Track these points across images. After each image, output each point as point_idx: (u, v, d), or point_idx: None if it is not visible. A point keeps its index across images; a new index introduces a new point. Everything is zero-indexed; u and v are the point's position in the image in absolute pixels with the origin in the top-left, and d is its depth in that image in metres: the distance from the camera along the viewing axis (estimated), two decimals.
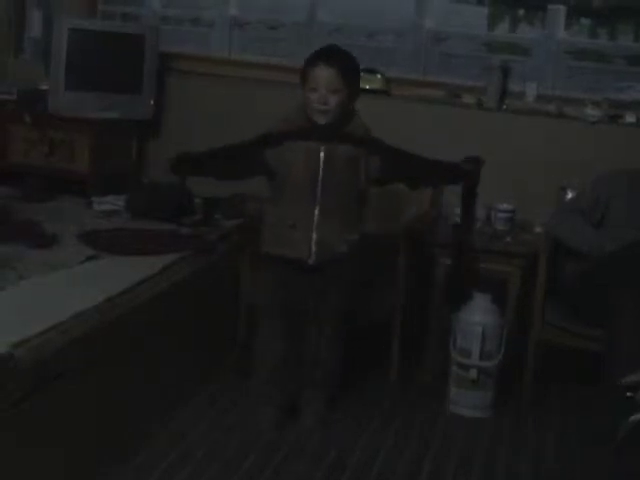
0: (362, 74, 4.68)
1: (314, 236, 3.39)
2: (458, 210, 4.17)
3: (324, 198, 3.38)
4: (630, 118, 4.47)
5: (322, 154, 3.37)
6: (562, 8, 4.72)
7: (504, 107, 4.63)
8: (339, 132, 3.40)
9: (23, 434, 2.68)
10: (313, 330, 3.50)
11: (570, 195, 4.23)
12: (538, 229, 4.29)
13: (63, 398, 2.85)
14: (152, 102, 4.84)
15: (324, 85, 3.31)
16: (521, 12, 4.92)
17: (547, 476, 3.43)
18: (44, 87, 4.78)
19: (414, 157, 3.51)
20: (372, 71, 4.73)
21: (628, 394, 3.25)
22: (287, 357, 3.51)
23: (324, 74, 3.32)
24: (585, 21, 4.82)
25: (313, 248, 3.40)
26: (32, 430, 2.71)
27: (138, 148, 5.02)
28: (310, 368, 3.53)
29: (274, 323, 3.49)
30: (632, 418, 3.17)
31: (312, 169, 3.37)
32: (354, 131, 3.43)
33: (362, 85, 4.66)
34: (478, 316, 3.83)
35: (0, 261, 3.42)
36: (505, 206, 4.32)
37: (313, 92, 3.33)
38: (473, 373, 3.81)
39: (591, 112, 4.47)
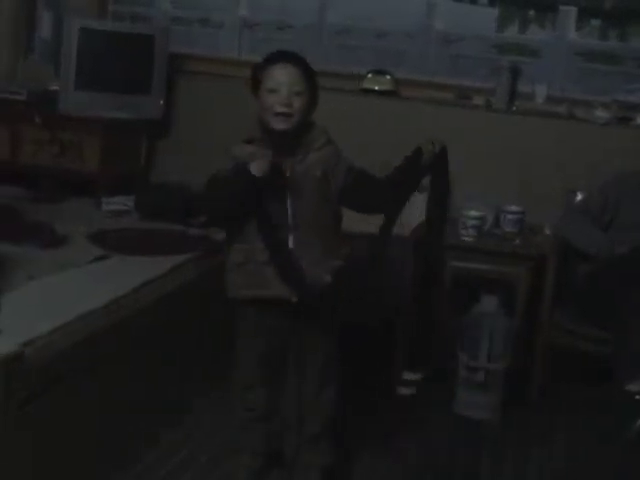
0: (371, 75, 4.77)
1: None
2: (465, 211, 4.21)
3: (297, 223, 2.90)
4: None
5: (288, 174, 2.88)
6: (573, 9, 4.72)
7: (513, 109, 4.64)
8: (304, 143, 2.92)
9: (29, 433, 2.69)
10: (295, 378, 3.12)
11: (579, 197, 4.24)
12: (547, 231, 4.30)
13: (69, 399, 2.86)
14: (162, 102, 4.86)
15: (287, 85, 2.85)
16: (531, 13, 4.91)
17: (555, 478, 3.45)
18: (54, 87, 4.80)
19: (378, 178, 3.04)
20: (381, 72, 4.75)
21: (637, 397, 3.27)
22: (269, 407, 3.11)
23: (288, 73, 2.87)
24: (595, 22, 4.81)
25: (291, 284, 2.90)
26: (38, 430, 2.72)
27: (147, 149, 5.04)
28: (296, 427, 3.15)
29: (253, 372, 3.07)
30: None
31: (278, 194, 2.88)
32: (317, 141, 2.93)
33: (371, 86, 4.74)
34: (486, 318, 3.85)
35: (10, 261, 3.43)
36: (514, 208, 4.33)
37: (272, 94, 2.85)
38: (481, 375, 3.82)
39: (601, 114, 4.47)
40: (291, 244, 2.89)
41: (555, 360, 4.01)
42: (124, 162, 4.92)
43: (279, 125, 2.87)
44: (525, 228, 4.35)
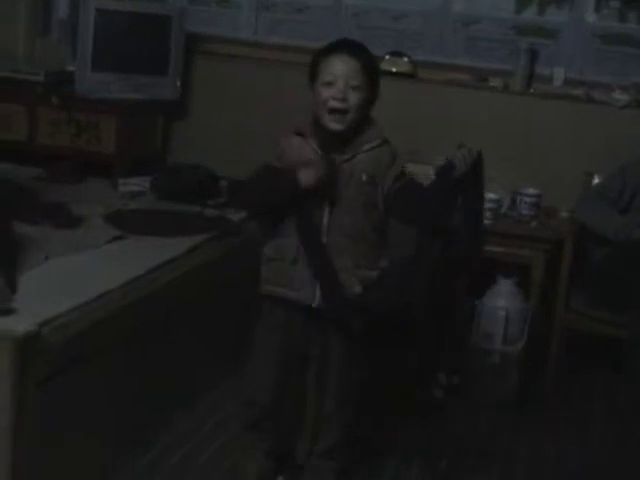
0: (388, 57, 4.74)
1: None
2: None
3: (332, 225, 2.75)
4: None
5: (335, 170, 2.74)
6: None
7: (531, 91, 4.62)
8: (356, 142, 2.76)
9: (47, 413, 2.70)
10: (314, 386, 2.98)
11: (596, 180, 4.22)
12: (564, 214, 4.29)
13: (85, 378, 2.87)
14: (178, 83, 4.86)
15: (344, 78, 2.67)
16: None
17: (571, 461, 3.45)
18: (71, 68, 4.81)
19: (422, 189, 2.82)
20: (399, 54, 4.73)
21: None
22: (276, 409, 3.01)
23: (345, 65, 2.68)
24: (615, 4, 4.76)
25: (318, 289, 2.78)
26: (55, 409, 2.73)
27: (164, 130, 5.04)
28: (311, 435, 3.03)
29: (266, 371, 2.95)
30: None
31: (320, 188, 2.72)
32: (370, 142, 2.77)
33: (389, 68, 4.72)
34: (501, 300, 3.85)
35: (27, 241, 3.43)
36: (530, 191, 4.31)
37: (328, 87, 2.68)
38: (496, 358, 3.81)
39: (619, 97, 4.45)
40: (324, 246, 2.75)
41: (571, 344, 4.00)
42: (141, 143, 4.92)
43: (333, 125, 2.70)
44: (542, 211, 4.33)
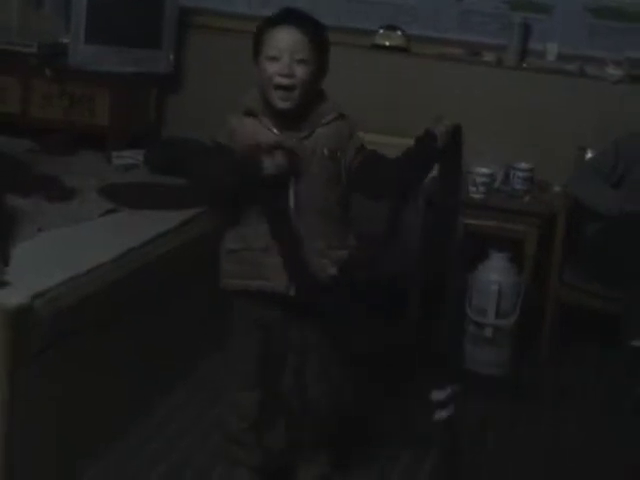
0: (383, 30, 4.71)
1: None
2: (474, 168, 4.17)
3: (300, 206, 2.55)
4: None
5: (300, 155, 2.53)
6: None
7: (524, 66, 4.59)
8: (311, 117, 2.57)
9: (41, 385, 2.70)
10: (294, 379, 2.77)
11: (589, 155, 4.20)
12: (557, 189, 4.28)
13: (79, 351, 2.87)
14: (172, 57, 4.82)
15: (289, 52, 2.46)
16: None
17: (564, 432, 3.45)
18: (64, 41, 4.76)
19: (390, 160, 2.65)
20: (393, 28, 4.69)
21: None
22: (264, 418, 2.82)
23: (291, 38, 2.47)
24: None
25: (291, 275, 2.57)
26: (50, 382, 2.73)
27: (157, 103, 5.01)
28: (298, 430, 2.86)
29: (247, 377, 2.77)
30: None
31: (281, 172, 2.52)
32: (326, 116, 2.58)
33: (382, 42, 4.68)
34: (494, 275, 3.84)
35: (20, 214, 3.42)
36: (523, 165, 4.30)
37: (273, 62, 2.47)
38: (488, 331, 3.81)
39: (612, 72, 4.42)
40: (295, 229, 2.55)
41: (564, 318, 4.00)
42: (134, 116, 4.88)
43: (280, 104, 2.50)
44: (535, 186, 4.32)
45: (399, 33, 4.67)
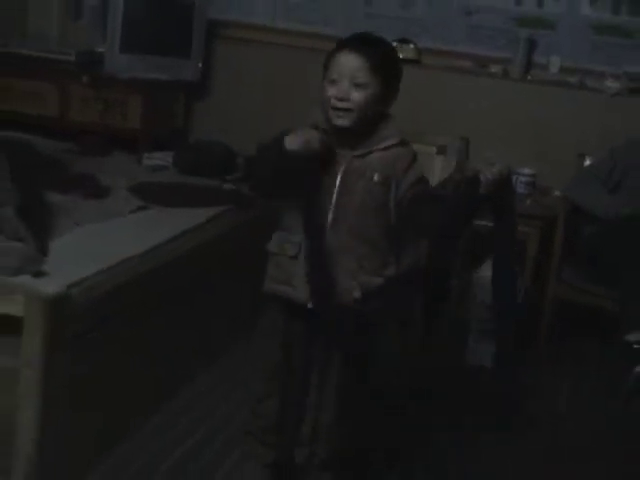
0: (396, 43, 4.68)
1: None
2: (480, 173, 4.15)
3: (337, 223, 2.41)
4: None
5: (342, 167, 2.41)
6: None
7: (529, 78, 4.58)
8: (371, 139, 2.43)
9: (76, 370, 2.70)
10: (314, 397, 2.58)
11: (587, 161, 4.20)
12: (557, 193, 4.27)
13: (112, 337, 2.87)
14: (200, 65, 4.84)
15: (348, 76, 2.35)
16: None
17: (562, 419, 3.45)
18: (100, 50, 4.78)
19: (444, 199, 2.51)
20: (405, 41, 4.69)
21: (635, 346, 3.26)
22: (279, 421, 2.65)
23: (350, 63, 2.35)
24: None
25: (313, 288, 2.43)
26: (84, 367, 2.73)
27: (186, 109, 5.03)
28: (308, 444, 2.64)
29: (270, 378, 2.62)
30: (638, 368, 3.18)
31: (327, 185, 2.40)
32: (386, 140, 2.43)
33: None
34: None
35: (58, 209, 3.43)
36: (526, 170, 4.30)
37: (333, 85, 2.37)
38: (491, 324, 3.80)
39: (611, 84, 4.41)
40: (327, 244, 2.41)
41: (561, 314, 3.99)
42: (164, 120, 4.91)
43: (337, 121, 2.37)
44: (536, 190, 4.32)
45: (411, 46, 4.67)
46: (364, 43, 2.39)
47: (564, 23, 4.67)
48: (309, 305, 2.43)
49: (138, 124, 4.67)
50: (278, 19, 5.02)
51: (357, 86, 2.35)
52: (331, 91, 2.36)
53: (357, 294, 2.42)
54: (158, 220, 3.58)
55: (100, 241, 3.20)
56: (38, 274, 2.74)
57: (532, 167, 4.30)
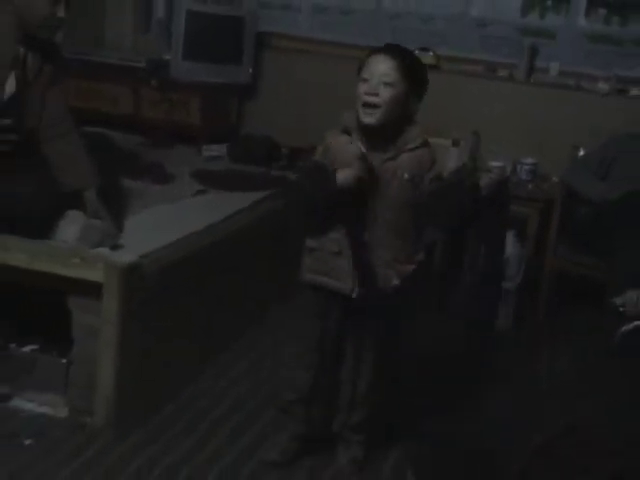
0: (418, 51, 4.63)
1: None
2: (489, 162, 4.16)
3: (376, 220, 2.39)
4: (635, 92, 4.37)
5: (377, 170, 2.36)
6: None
7: (531, 81, 4.56)
8: (398, 141, 2.39)
9: (147, 327, 2.75)
10: (350, 371, 2.57)
11: (581, 152, 4.17)
12: (555, 179, 4.25)
13: (177, 299, 2.91)
14: (250, 71, 4.86)
15: (378, 75, 2.32)
16: (549, 2, 4.80)
17: (559, 377, 3.44)
18: (167, 58, 4.82)
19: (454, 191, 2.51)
20: (425, 49, 4.67)
21: (620, 309, 3.25)
22: (311, 394, 2.60)
23: (380, 64, 2.33)
24: (602, 10, 4.68)
25: (358, 280, 2.40)
26: (153, 324, 2.78)
27: (238, 108, 5.05)
28: (346, 411, 2.62)
29: (305, 355, 2.56)
30: (624, 328, 3.17)
31: (365, 188, 2.35)
32: (410, 142, 2.40)
33: None
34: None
35: (131, 193, 3.49)
36: (529, 160, 4.30)
37: (364, 83, 2.33)
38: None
39: (602, 86, 4.38)
40: (367, 240, 2.38)
41: (559, 284, 3.99)
42: (220, 117, 4.93)
43: (365, 118, 2.33)
44: (537, 177, 4.31)
45: (431, 53, 4.65)
46: (394, 50, 2.38)
47: (563, 33, 4.64)
48: (353, 295, 2.40)
49: (198, 121, 4.70)
50: (316, 31, 5.02)
51: (386, 84, 2.31)
52: (362, 88, 2.33)
53: (396, 281, 2.42)
54: (214, 202, 3.62)
55: (166, 220, 3.25)
56: (115, 247, 2.81)
57: (534, 157, 4.30)
